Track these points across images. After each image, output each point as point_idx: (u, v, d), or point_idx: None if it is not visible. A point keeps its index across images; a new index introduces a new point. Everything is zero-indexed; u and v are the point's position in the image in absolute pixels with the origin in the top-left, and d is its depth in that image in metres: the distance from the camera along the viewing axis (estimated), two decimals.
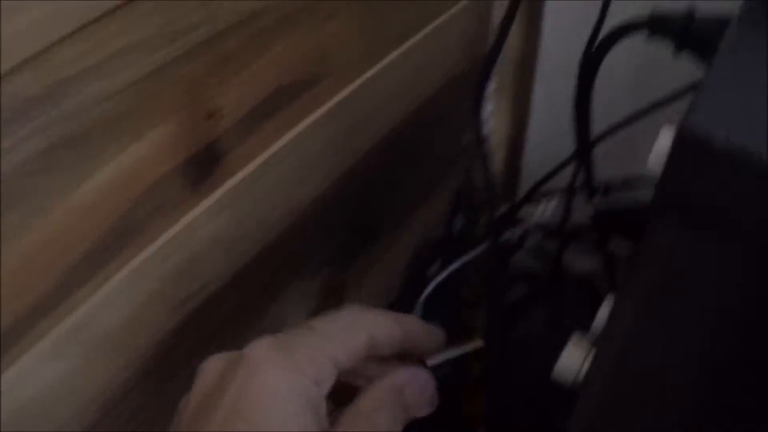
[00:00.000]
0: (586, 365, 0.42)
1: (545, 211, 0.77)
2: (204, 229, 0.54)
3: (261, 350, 0.39)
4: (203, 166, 0.53)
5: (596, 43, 0.59)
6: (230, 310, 0.60)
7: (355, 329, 0.43)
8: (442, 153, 0.83)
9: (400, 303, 0.86)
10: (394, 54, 0.66)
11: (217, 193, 0.55)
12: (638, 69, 0.79)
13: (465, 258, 0.82)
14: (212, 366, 0.41)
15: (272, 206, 0.60)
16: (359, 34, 0.61)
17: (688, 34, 0.53)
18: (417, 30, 0.68)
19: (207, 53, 0.48)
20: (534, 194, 0.75)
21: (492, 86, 0.83)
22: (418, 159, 0.79)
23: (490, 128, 0.86)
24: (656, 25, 0.55)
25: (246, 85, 0.52)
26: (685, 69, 0.54)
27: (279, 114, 0.57)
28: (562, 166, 0.70)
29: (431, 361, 0.49)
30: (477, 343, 0.53)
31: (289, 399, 0.37)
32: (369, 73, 0.63)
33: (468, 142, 0.84)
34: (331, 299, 0.75)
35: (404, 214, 0.82)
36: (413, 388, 0.44)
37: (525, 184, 0.89)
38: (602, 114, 0.66)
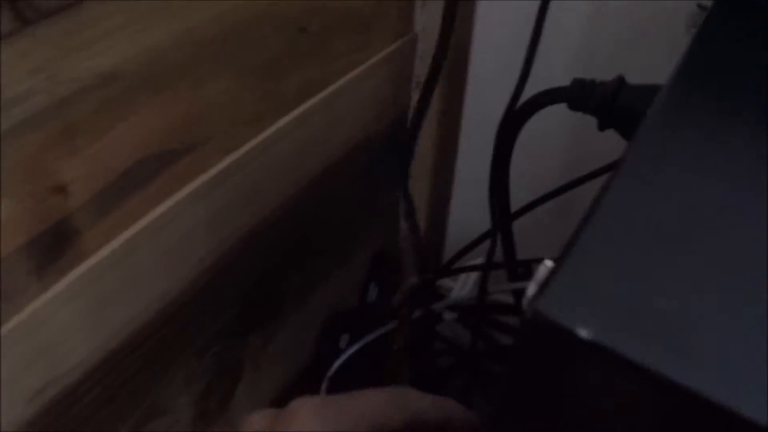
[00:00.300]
0: None
1: (465, 284, 0.71)
2: (58, 314, 0.48)
3: (307, 409, 0.41)
4: (52, 247, 0.46)
5: (513, 112, 0.53)
6: (98, 398, 0.53)
7: (398, 401, 0.45)
8: (354, 218, 0.77)
9: (309, 375, 0.80)
10: (292, 115, 0.59)
11: (72, 275, 0.48)
12: (575, 131, 0.73)
13: (379, 331, 0.76)
14: (258, 420, 0.42)
15: (144, 284, 0.53)
16: (244, 96, 0.54)
17: (610, 114, 0.47)
18: (319, 89, 0.62)
19: (49, 123, 0.42)
20: (451, 269, 0.70)
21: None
22: (326, 225, 0.72)
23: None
24: (576, 99, 0.49)
25: (100, 157, 0.45)
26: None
27: (147, 185, 0.50)
28: (479, 241, 0.64)
29: None
30: None
31: None
32: (259, 138, 0.57)
33: (384, 207, 0.78)
34: (225, 377, 0.67)
35: (312, 283, 0.75)
36: None
37: (451, 250, 0.84)
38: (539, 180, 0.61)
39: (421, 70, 0.72)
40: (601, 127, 0.48)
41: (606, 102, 0.46)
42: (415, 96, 0.74)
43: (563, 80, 0.51)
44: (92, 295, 0.49)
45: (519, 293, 0.65)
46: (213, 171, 0.54)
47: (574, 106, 0.49)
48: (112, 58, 0.43)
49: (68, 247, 0.47)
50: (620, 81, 0.47)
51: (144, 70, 0.45)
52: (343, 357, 0.77)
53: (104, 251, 0.49)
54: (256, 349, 0.70)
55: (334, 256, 0.77)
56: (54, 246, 0.46)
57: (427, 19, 0.69)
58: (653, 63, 0.49)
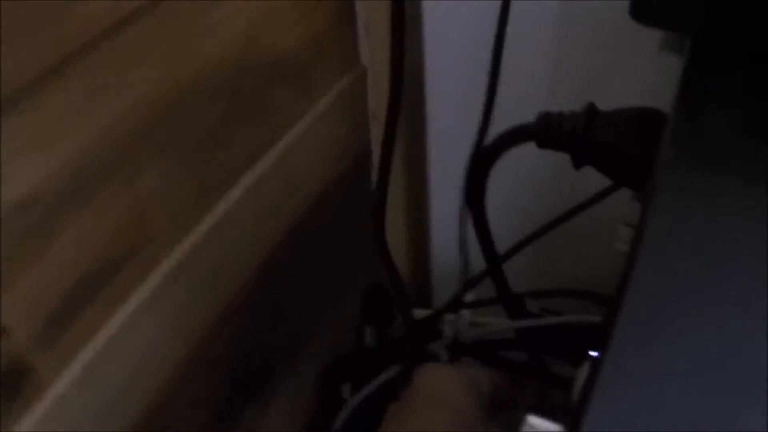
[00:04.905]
0: None
1: (459, 322, 0.67)
2: None
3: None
4: (8, 389, 0.42)
5: (479, 155, 0.49)
6: None
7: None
8: (332, 266, 0.73)
9: (316, 427, 0.76)
10: (243, 184, 0.55)
11: (38, 411, 0.44)
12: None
13: (381, 378, 0.72)
14: None
15: (116, 399, 0.50)
16: (186, 178, 0.50)
17: (584, 150, 0.42)
18: (268, 148, 0.57)
19: None
20: (450, 308, 0.66)
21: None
22: (303, 283, 0.68)
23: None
24: (544, 137, 0.44)
25: (34, 288, 0.41)
26: None
27: (95, 302, 0.46)
28: (473, 283, 0.60)
29: None
30: None
31: None
32: (211, 219, 0.53)
33: (363, 245, 0.73)
34: None
35: (300, 342, 0.71)
36: None
37: (437, 285, 0.80)
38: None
39: (374, 101, 0.68)
40: (576, 164, 0.43)
41: (577, 137, 0.42)
42: (375, 128, 0.69)
43: (530, 110, 0.47)
44: (63, 425, 0.45)
45: (521, 335, 0.61)
46: (166, 266, 0.50)
47: (542, 144, 0.44)
48: (26, 181, 0.39)
49: (26, 385, 0.43)
50: (591, 110, 0.42)
51: (65, 184, 0.41)
52: (347, 409, 0.74)
53: (65, 380, 0.45)
54: (255, 423, 0.66)
55: (318, 310, 0.73)
56: (10, 388, 0.42)
57: (373, 50, 0.65)
58: (624, 85, 0.45)
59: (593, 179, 0.46)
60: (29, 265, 0.40)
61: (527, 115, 0.47)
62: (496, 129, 0.52)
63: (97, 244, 0.44)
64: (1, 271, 0.39)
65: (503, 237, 0.57)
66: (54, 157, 0.40)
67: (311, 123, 0.62)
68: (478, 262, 0.61)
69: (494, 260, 0.56)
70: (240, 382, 0.63)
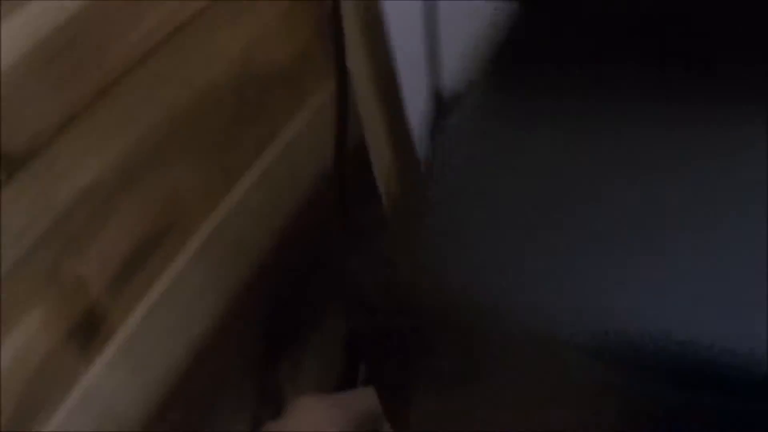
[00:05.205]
0: None
1: None
2: (107, 382, 0.57)
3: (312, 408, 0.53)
4: (88, 329, 0.56)
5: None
6: None
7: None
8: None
9: (344, 382, 0.87)
10: (256, 168, 0.70)
11: (111, 347, 0.58)
12: None
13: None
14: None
15: (172, 338, 0.63)
16: (206, 167, 0.65)
17: None
18: (273, 137, 0.72)
19: (55, 237, 0.53)
20: None
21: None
22: (320, 246, 0.81)
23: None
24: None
25: (103, 251, 0.56)
26: None
27: (150, 261, 0.61)
28: None
29: None
30: None
31: None
32: (231, 198, 0.67)
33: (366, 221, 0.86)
34: (269, 406, 0.76)
35: (324, 298, 0.84)
36: None
37: None
38: None
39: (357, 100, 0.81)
40: None
41: None
42: (366, 122, 0.83)
43: None
44: (131, 358, 0.59)
45: None
46: (200, 236, 0.64)
47: None
48: (90, 173, 0.54)
49: (102, 326, 0.57)
50: None
51: (116, 175, 0.56)
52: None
53: (131, 321, 0.59)
54: (291, 374, 0.79)
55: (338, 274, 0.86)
56: (90, 328, 0.56)
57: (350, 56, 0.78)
58: None
59: None
60: (97, 233, 0.55)
61: None
62: None
63: (145, 218, 0.59)
64: (80, 238, 0.54)
65: None
66: (107, 156, 0.56)
67: (309, 118, 0.76)
68: None
69: None
70: (273, 336, 0.76)
